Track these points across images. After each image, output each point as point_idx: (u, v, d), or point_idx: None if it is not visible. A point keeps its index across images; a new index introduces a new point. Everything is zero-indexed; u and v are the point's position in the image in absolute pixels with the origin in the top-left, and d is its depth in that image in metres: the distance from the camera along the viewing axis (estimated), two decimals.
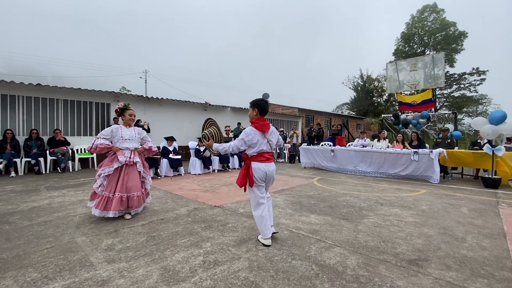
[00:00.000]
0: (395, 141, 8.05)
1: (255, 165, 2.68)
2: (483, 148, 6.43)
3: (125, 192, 3.42)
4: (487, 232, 3.08)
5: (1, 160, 6.87)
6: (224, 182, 6.25)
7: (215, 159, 8.17)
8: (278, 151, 12.04)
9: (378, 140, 8.34)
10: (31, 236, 2.82)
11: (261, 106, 2.75)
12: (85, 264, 2.20)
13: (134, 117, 3.77)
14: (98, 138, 3.46)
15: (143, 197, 3.69)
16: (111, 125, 3.51)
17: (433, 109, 10.81)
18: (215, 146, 2.85)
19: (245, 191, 2.78)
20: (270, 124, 2.80)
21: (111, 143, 3.55)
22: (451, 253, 2.48)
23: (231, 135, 10.30)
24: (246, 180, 2.71)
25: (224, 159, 8.37)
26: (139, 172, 3.65)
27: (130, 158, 3.53)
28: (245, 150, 2.77)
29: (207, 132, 3.19)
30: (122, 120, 3.73)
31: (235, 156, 8.99)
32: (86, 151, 8.72)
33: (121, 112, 3.68)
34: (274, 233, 2.81)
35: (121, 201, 3.38)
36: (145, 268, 2.14)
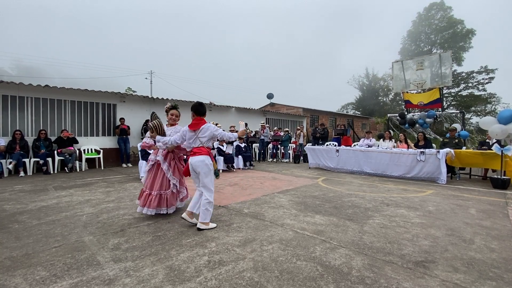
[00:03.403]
0: (398, 141, 7.97)
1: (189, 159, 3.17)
2: (491, 148, 6.32)
3: (149, 190, 3.53)
4: (495, 233, 3.03)
5: (11, 160, 7.02)
6: (228, 182, 6.27)
7: (220, 159, 8.20)
8: (283, 151, 12.00)
9: (383, 140, 8.27)
10: (40, 235, 2.87)
11: (195, 108, 3.19)
12: (92, 263, 2.23)
13: (176, 117, 3.77)
14: (147, 137, 3.76)
15: (164, 199, 3.53)
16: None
17: (439, 109, 10.66)
18: (158, 137, 3.33)
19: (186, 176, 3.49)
20: (206, 123, 3.19)
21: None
22: (458, 255, 2.45)
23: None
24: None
25: (228, 159, 8.40)
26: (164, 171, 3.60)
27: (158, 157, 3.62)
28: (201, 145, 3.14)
29: (151, 125, 3.40)
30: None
31: (240, 157, 9.01)
32: (93, 151, 8.85)
33: (166, 112, 3.79)
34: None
35: (148, 199, 3.48)
36: (151, 268, 2.16)
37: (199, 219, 3.06)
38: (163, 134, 3.45)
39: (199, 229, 3.02)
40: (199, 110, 3.18)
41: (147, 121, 9.95)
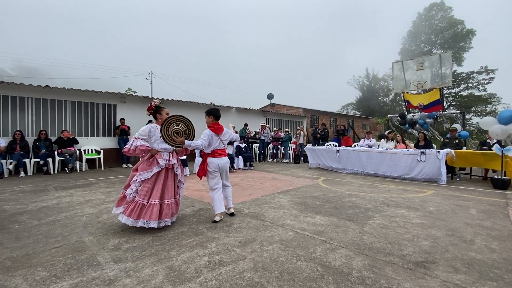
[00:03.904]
0: (396, 141, 7.95)
1: (210, 160, 3.38)
2: (492, 148, 6.31)
3: (160, 199, 3.09)
4: (496, 234, 3.02)
5: (11, 160, 7.02)
6: None
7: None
8: (283, 151, 12.00)
9: (386, 141, 8.21)
10: (40, 236, 2.87)
11: (215, 113, 3.49)
12: (93, 264, 2.23)
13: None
14: (136, 139, 3.10)
15: (175, 206, 3.28)
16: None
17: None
18: (188, 143, 3.12)
19: (201, 179, 3.58)
20: (223, 127, 3.55)
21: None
22: (459, 256, 2.45)
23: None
24: (205, 171, 3.41)
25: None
26: (176, 175, 3.29)
27: (169, 160, 3.18)
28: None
29: (179, 128, 3.07)
30: (158, 119, 3.31)
31: (240, 157, 9.00)
32: (94, 152, 8.85)
33: (156, 110, 3.28)
34: (232, 214, 3.61)
35: (161, 209, 3.06)
36: (151, 268, 2.16)
37: (230, 206, 3.62)
38: (192, 137, 3.21)
39: (233, 214, 3.60)
40: (218, 115, 3.52)
41: (149, 121, 9.95)
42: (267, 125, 13.51)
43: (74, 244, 2.66)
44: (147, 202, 3.01)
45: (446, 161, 6.33)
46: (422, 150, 6.63)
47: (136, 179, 3.06)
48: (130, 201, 3.06)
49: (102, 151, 8.97)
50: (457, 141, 7.59)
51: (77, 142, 8.24)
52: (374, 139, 8.85)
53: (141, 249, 2.53)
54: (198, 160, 7.81)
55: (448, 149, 6.50)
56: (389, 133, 8.32)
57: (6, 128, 7.59)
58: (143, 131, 3.15)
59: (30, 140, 7.67)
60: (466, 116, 24.26)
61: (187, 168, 7.50)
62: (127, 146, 3.08)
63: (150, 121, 9.94)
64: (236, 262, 2.28)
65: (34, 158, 7.50)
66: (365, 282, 1.97)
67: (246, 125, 12.29)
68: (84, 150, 8.63)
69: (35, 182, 6.14)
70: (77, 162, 8.19)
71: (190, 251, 2.49)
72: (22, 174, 7.05)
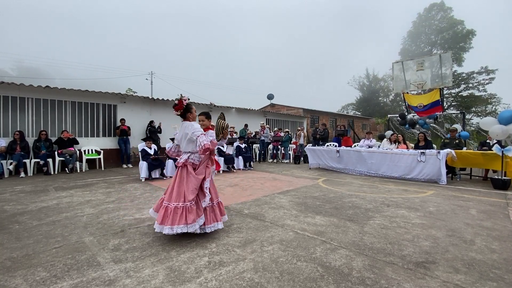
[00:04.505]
0: (396, 142, 7.94)
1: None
2: (492, 149, 6.31)
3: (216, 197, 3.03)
4: (496, 234, 3.02)
5: (11, 160, 7.03)
6: (229, 183, 6.27)
7: (220, 160, 8.19)
8: (283, 152, 12.00)
9: (390, 143, 8.16)
10: (40, 236, 2.87)
11: (210, 116, 3.33)
12: (93, 264, 2.23)
13: None
14: (205, 135, 2.85)
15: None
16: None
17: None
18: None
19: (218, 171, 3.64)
20: None
21: None
22: (459, 256, 2.44)
23: (235, 136, 10.34)
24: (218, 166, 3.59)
25: (229, 160, 8.39)
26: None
27: None
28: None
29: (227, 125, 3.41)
30: (188, 118, 2.99)
31: (240, 157, 9.01)
32: (94, 152, 8.85)
33: (187, 108, 2.94)
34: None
35: (219, 208, 3.01)
36: (151, 268, 2.16)
37: None
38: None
39: None
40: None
41: (151, 122, 9.96)
42: (267, 125, 13.52)
43: (74, 244, 2.66)
44: (211, 204, 2.92)
45: (446, 161, 6.33)
46: (422, 151, 6.62)
47: (207, 185, 2.84)
48: (205, 208, 2.83)
49: (102, 151, 8.97)
50: (457, 141, 7.59)
51: (77, 143, 8.24)
52: (374, 140, 8.86)
53: (141, 250, 2.53)
54: None
55: (449, 150, 6.49)
56: (392, 135, 8.30)
57: (6, 129, 7.59)
58: (200, 129, 2.87)
59: (30, 140, 7.68)
60: (466, 117, 24.24)
61: None
62: (206, 143, 2.72)
63: (151, 121, 9.96)
64: (236, 262, 2.28)
65: (34, 158, 7.50)
66: (365, 283, 1.96)
67: (246, 125, 12.30)
68: (84, 151, 8.64)
69: (35, 183, 6.15)
70: (77, 163, 8.19)
71: (190, 251, 2.49)
72: (22, 174, 7.05)
